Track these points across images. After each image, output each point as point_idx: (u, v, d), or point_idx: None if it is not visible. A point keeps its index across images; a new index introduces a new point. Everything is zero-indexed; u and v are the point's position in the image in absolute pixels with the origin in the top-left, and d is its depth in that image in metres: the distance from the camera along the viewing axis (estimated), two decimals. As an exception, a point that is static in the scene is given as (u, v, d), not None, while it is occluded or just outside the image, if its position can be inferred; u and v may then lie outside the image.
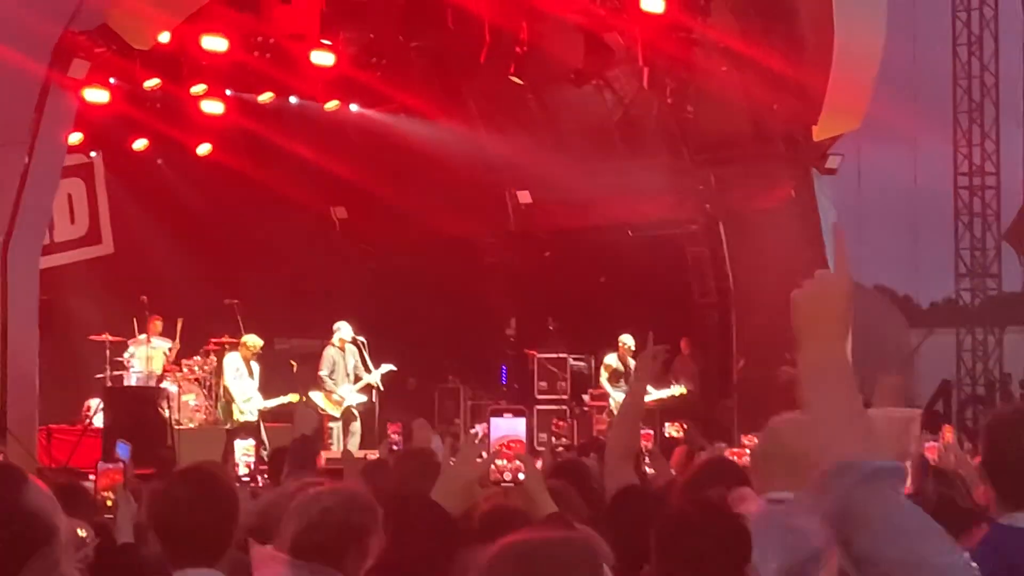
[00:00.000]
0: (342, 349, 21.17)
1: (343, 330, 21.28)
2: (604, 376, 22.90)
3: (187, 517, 5.02)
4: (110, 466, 7.29)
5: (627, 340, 22.93)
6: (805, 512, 4.87)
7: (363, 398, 21.23)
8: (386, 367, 21.36)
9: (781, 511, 4.85)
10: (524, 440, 5.13)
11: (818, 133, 23.27)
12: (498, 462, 4.96)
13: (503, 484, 5.02)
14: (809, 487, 2.77)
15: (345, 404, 21.01)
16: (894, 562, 2.69)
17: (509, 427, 5.11)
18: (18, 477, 2.78)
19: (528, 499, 4.98)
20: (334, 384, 21.00)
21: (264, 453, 14.80)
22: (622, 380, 22.68)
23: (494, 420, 5.20)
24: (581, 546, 3.47)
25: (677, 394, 22.84)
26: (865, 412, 2.95)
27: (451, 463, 5.52)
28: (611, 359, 22.90)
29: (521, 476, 4.97)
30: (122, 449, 7.33)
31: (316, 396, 21.01)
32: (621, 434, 6.83)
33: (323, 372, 21.05)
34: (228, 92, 23.70)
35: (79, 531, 5.86)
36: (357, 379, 21.18)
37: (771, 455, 5.09)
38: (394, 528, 4.72)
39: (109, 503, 7.11)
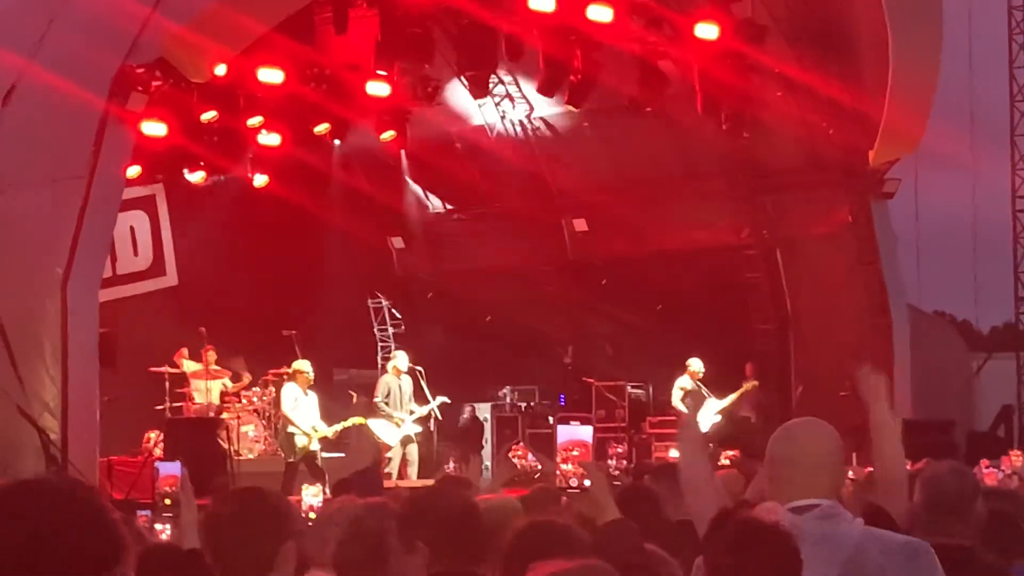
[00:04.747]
0: (398, 377, 20.99)
1: (399, 359, 21.19)
2: (677, 396, 22.53)
3: (231, 532, 5.02)
4: (169, 466, 7.18)
5: (694, 363, 22.73)
6: (833, 518, 4.83)
7: (418, 428, 21.02)
8: (441, 399, 21.15)
9: (809, 519, 4.78)
10: (590, 446, 5.12)
11: (874, 158, 23.18)
12: (563, 467, 4.96)
13: (569, 490, 5.03)
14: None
15: (403, 432, 20.77)
16: None
17: (575, 434, 5.10)
18: (96, 495, 2.84)
19: (593, 505, 5.03)
20: (390, 410, 20.79)
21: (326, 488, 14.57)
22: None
23: (561, 427, 5.19)
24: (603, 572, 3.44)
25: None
26: None
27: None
28: (684, 381, 22.58)
29: (587, 483, 4.98)
30: (175, 467, 7.22)
31: (374, 423, 20.74)
32: None
33: (378, 399, 20.78)
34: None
35: None
36: (412, 411, 20.94)
37: (790, 461, 5.00)
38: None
39: (168, 502, 7.04)
